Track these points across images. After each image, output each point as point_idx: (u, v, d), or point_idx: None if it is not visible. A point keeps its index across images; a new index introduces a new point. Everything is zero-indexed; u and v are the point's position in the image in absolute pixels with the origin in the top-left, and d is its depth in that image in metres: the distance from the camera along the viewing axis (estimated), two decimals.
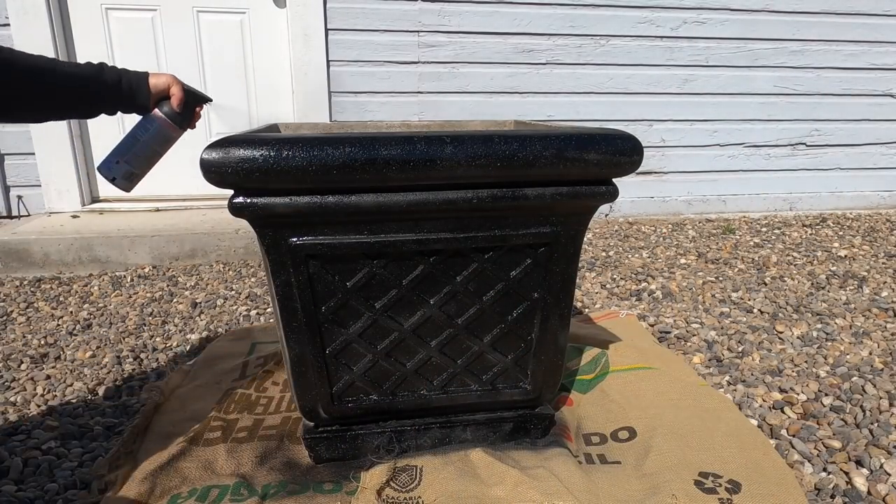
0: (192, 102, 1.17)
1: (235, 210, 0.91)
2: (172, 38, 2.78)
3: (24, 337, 1.80)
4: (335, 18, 2.76)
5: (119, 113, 1.11)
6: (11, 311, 2.00)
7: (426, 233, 0.98)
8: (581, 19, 2.93)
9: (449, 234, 0.98)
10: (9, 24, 2.56)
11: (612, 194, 1.00)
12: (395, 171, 0.89)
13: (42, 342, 1.77)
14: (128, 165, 1.13)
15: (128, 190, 1.17)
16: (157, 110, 1.13)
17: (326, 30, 2.77)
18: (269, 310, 2.00)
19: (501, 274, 1.04)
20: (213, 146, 0.86)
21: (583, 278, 2.27)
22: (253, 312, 1.98)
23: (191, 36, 2.80)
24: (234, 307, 2.02)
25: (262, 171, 0.86)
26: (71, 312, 1.99)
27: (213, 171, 0.86)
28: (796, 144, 3.31)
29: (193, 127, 1.21)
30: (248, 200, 0.90)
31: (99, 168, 1.14)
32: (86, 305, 2.05)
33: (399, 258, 1.00)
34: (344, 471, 1.12)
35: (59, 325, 1.89)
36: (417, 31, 2.83)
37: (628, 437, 1.22)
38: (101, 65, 1.07)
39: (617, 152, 0.96)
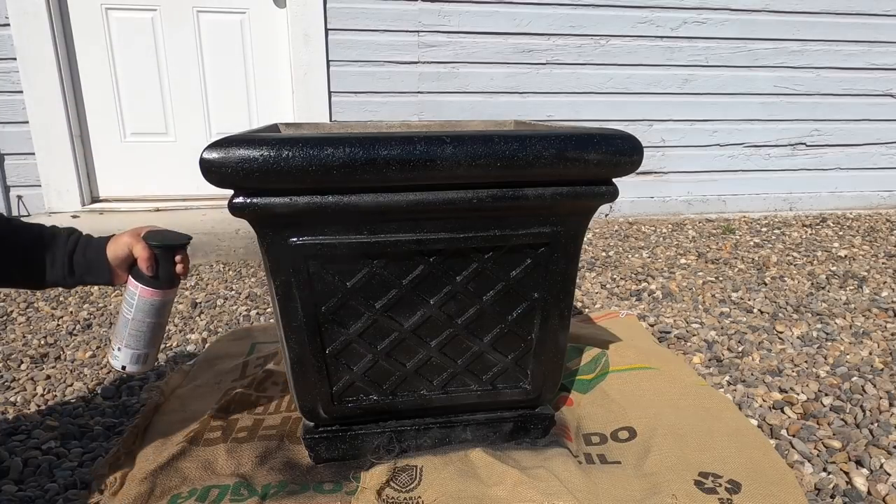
0: (167, 255, 1.03)
1: (235, 210, 0.91)
2: (172, 38, 2.78)
3: (24, 337, 1.80)
4: (335, 18, 2.76)
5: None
6: (11, 311, 2.00)
7: (426, 233, 0.98)
8: (581, 19, 2.93)
9: (449, 234, 0.98)
10: (9, 24, 2.56)
11: (612, 194, 1.00)
12: (395, 171, 0.89)
13: (42, 342, 1.77)
14: (130, 349, 1.06)
15: (147, 369, 1.11)
16: (131, 279, 1.02)
17: (326, 30, 2.77)
18: (269, 310, 2.00)
19: (501, 274, 1.04)
20: (214, 146, 0.86)
21: (583, 278, 2.27)
22: (253, 312, 1.98)
23: (191, 36, 2.80)
24: (234, 307, 2.02)
25: (262, 171, 0.86)
26: (71, 312, 1.99)
27: (213, 171, 0.86)
28: (796, 144, 3.31)
29: (183, 277, 1.07)
30: (248, 200, 0.90)
31: (108, 362, 1.09)
32: (86, 305, 2.05)
33: (399, 258, 1.00)
34: (344, 471, 1.12)
35: (59, 325, 1.89)
36: (417, 31, 2.83)
37: (628, 436, 1.22)
38: (54, 233, 0.95)
39: (617, 152, 0.95)
